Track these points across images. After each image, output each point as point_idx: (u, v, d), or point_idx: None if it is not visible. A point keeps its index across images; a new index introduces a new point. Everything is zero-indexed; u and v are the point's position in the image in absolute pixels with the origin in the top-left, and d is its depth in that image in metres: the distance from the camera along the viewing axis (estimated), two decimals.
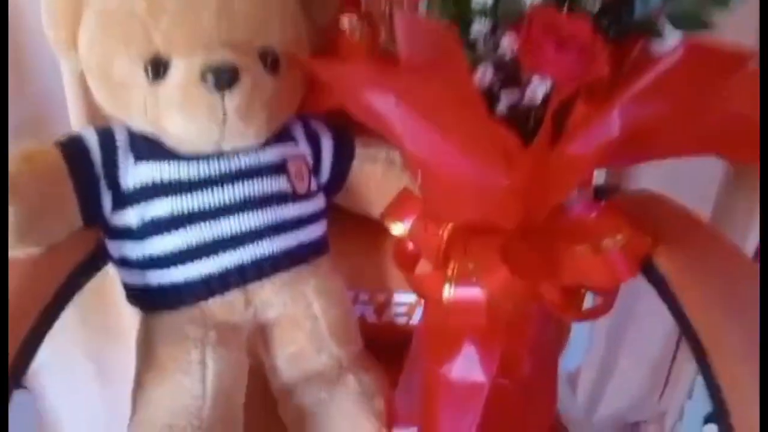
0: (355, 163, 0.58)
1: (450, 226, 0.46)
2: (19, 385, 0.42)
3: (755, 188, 0.71)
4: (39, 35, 0.51)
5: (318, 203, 0.56)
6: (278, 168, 0.51)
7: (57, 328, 0.46)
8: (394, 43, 0.44)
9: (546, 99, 0.41)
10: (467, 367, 0.47)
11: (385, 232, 0.53)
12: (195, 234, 0.48)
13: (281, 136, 0.52)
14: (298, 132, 0.55)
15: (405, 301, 0.66)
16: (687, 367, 0.98)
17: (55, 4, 0.46)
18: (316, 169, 0.57)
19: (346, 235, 0.62)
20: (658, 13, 0.44)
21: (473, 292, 0.45)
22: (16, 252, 0.43)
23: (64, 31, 0.47)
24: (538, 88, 0.40)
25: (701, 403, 0.87)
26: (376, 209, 0.60)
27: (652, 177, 0.75)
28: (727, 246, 0.48)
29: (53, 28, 0.47)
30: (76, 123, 0.59)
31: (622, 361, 1.02)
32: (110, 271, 0.54)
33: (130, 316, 0.77)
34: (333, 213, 0.60)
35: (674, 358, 1.02)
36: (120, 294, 0.55)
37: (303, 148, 0.55)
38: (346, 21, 0.47)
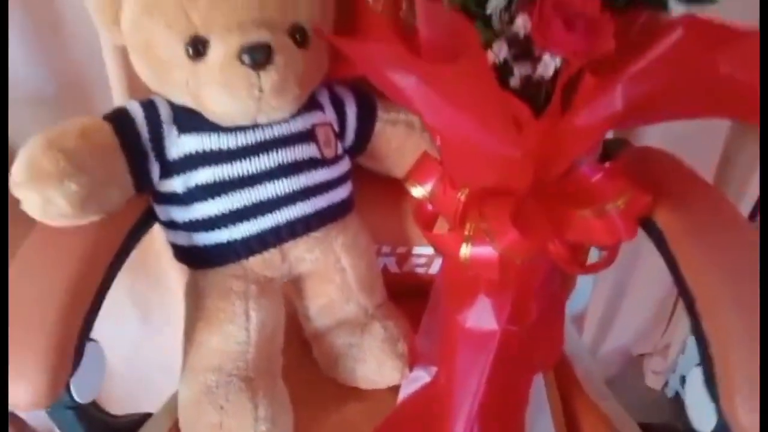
0: (378, 126, 0.62)
1: (467, 190, 0.50)
2: (89, 338, 0.48)
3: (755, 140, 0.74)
4: (78, 5, 0.54)
5: (344, 166, 0.60)
6: (307, 135, 0.56)
7: None
8: (414, 15, 0.47)
9: (556, 73, 0.45)
10: (481, 316, 0.52)
11: (406, 190, 0.58)
12: (235, 199, 0.53)
13: (309, 104, 0.56)
14: (325, 99, 0.59)
15: (424, 252, 0.71)
16: None
17: None
18: (341, 134, 0.61)
19: (370, 193, 0.66)
20: None
21: (488, 251, 0.50)
22: (80, 221, 0.48)
23: (108, 11, 0.51)
24: (549, 64, 0.43)
25: None
26: (397, 170, 0.64)
27: (658, 129, 0.78)
28: (725, 207, 0.52)
29: (97, 10, 0.51)
30: (117, 92, 0.63)
31: (627, 300, 1.08)
32: (154, 228, 0.59)
33: (172, 269, 0.83)
34: (358, 173, 0.65)
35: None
36: (163, 249, 0.60)
37: (329, 114, 0.59)
38: None
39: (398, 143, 0.62)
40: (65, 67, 0.69)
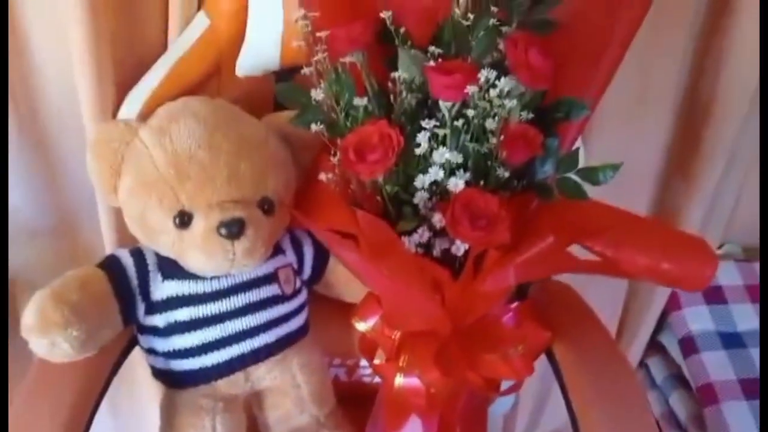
0: (331, 262, 0.73)
1: (399, 332, 0.62)
2: None
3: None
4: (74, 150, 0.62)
5: (301, 297, 0.71)
6: (271, 278, 0.67)
7: None
8: (360, 190, 0.60)
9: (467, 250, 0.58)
10: None
11: (353, 311, 0.69)
12: (209, 333, 0.64)
13: (273, 251, 0.68)
14: (286, 243, 0.71)
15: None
16: None
17: (97, 164, 0.61)
18: (299, 269, 0.72)
19: (323, 313, 0.77)
20: (552, 180, 0.60)
21: (417, 381, 0.61)
22: (78, 359, 0.58)
23: (107, 181, 0.62)
24: (460, 247, 0.56)
25: None
26: (346, 296, 0.76)
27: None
28: (614, 348, 0.65)
29: (97, 179, 0.62)
30: (106, 228, 0.74)
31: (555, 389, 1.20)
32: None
33: (146, 381, 0.92)
34: (313, 295, 0.76)
35: None
36: (137, 360, 0.69)
37: (290, 256, 0.70)
38: (324, 176, 0.62)
39: (347, 277, 0.73)
40: (59, 203, 0.80)
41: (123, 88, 0.68)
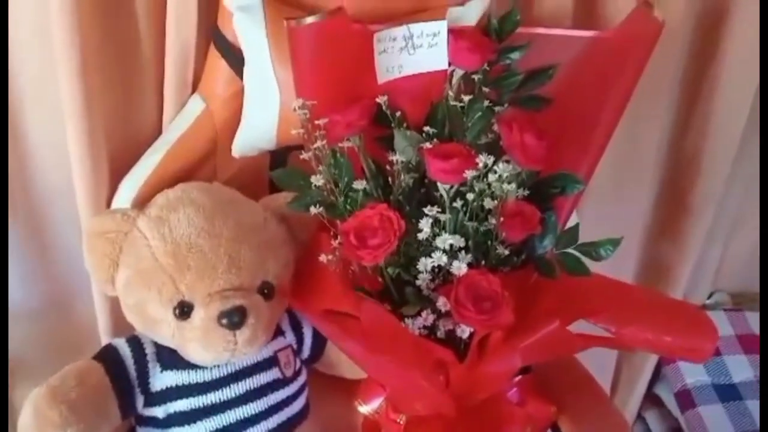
0: (330, 342, 0.72)
1: (404, 416, 0.61)
2: None
3: None
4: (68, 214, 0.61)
5: (301, 379, 0.70)
6: (271, 361, 0.66)
7: None
8: (362, 271, 0.60)
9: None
10: None
11: (355, 388, 0.68)
12: (209, 424, 0.62)
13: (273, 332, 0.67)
14: (285, 325, 0.70)
15: None
16: None
17: (94, 256, 0.61)
18: (299, 349, 0.71)
19: (323, 390, 0.76)
20: (551, 255, 0.61)
21: None
22: None
23: (104, 272, 0.61)
24: (465, 330, 0.56)
25: None
26: (347, 374, 0.75)
27: None
28: (619, 421, 0.65)
29: (94, 269, 0.61)
30: (101, 318, 0.72)
31: None
32: None
33: None
34: (312, 374, 0.75)
35: None
36: None
37: (289, 337, 0.69)
38: (324, 258, 0.62)
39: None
40: (52, 286, 0.78)
41: (118, 173, 0.68)
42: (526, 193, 0.60)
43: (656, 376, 1.21)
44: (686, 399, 1.11)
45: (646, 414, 1.24)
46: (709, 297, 1.23)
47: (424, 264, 0.56)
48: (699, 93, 0.92)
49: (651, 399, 1.23)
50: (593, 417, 0.65)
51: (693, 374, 1.12)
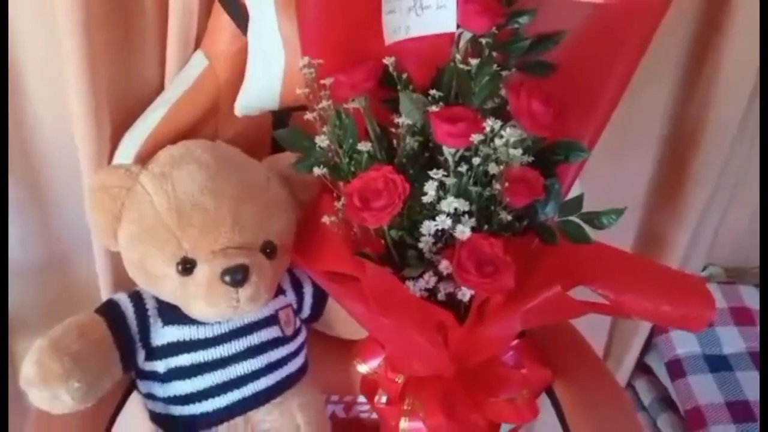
0: (330, 301, 0.73)
1: (403, 376, 0.62)
2: None
3: None
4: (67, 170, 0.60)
5: (301, 337, 0.71)
6: (271, 319, 0.66)
7: None
8: (364, 233, 0.60)
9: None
10: None
11: (352, 348, 0.69)
12: (209, 379, 0.63)
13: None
14: (286, 283, 0.70)
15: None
16: None
17: (96, 211, 0.61)
18: (299, 308, 0.72)
19: (321, 350, 0.77)
20: (552, 222, 0.61)
21: (421, 425, 0.61)
22: (78, 409, 0.57)
23: (107, 228, 0.61)
24: (466, 293, 0.56)
25: None
26: (346, 335, 0.76)
27: None
28: (613, 384, 0.66)
29: (97, 226, 0.61)
30: (103, 274, 0.73)
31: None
32: None
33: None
34: (310, 331, 0.75)
35: None
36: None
37: (290, 297, 0.70)
38: (327, 219, 0.62)
39: (346, 315, 0.73)
40: (52, 242, 0.78)
41: (119, 129, 0.67)
42: (531, 159, 0.60)
43: (647, 346, 1.23)
44: (677, 368, 1.13)
45: (636, 383, 1.26)
46: (704, 270, 1.25)
47: (428, 227, 0.56)
48: (704, 63, 0.91)
49: (641, 368, 1.25)
50: (588, 381, 0.66)
51: (684, 345, 1.14)
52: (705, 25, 0.90)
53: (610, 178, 0.95)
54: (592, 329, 1.10)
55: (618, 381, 1.21)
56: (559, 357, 0.68)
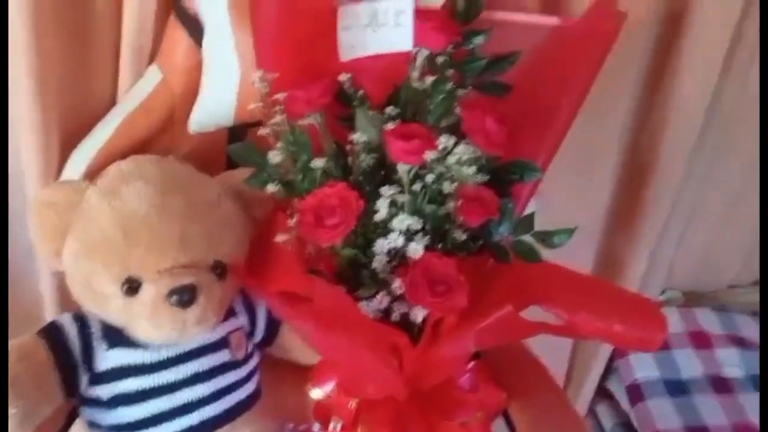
0: (284, 325, 0.71)
1: (356, 400, 0.60)
2: None
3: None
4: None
5: (253, 362, 0.69)
6: (221, 343, 0.64)
7: None
8: (317, 252, 0.58)
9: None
10: None
11: (307, 374, 0.67)
12: (155, 405, 0.60)
13: (224, 313, 0.65)
14: (238, 304, 0.68)
15: None
16: None
17: (41, 228, 0.58)
18: (252, 331, 0.70)
19: (274, 376, 0.74)
20: (507, 241, 0.61)
21: None
22: None
23: (51, 244, 0.58)
24: (418, 313, 0.55)
25: None
26: (301, 359, 0.73)
27: None
28: (567, 407, 0.66)
29: (40, 241, 0.59)
30: (47, 293, 0.70)
31: None
32: None
33: None
34: (263, 356, 0.73)
35: None
36: None
37: (242, 318, 0.68)
38: (280, 237, 0.60)
39: (300, 340, 0.71)
40: None
41: (69, 143, 0.65)
42: (486, 178, 0.60)
43: (608, 370, 1.23)
44: (636, 393, 1.13)
45: (597, 407, 1.26)
46: (662, 293, 1.26)
47: (381, 245, 0.55)
48: (658, 88, 0.93)
49: (602, 393, 1.25)
50: (543, 403, 0.65)
51: (644, 369, 1.15)
52: (659, 51, 0.92)
53: (569, 201, 0.96)
54: (554, 355, 1.11)
55: (578, 406, 1.22)
56: (515, 380, 0.67)
